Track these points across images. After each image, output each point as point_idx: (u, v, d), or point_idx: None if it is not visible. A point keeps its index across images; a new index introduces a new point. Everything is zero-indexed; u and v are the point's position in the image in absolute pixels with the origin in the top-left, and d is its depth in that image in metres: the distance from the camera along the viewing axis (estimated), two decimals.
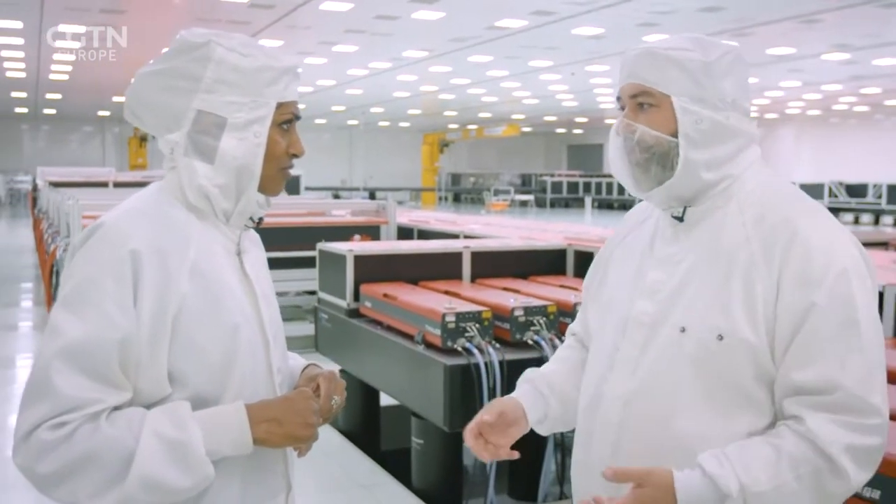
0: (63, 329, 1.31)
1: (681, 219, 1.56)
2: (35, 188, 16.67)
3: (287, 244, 6.42)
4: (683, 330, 1.49)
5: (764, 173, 1.58)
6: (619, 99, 1.61)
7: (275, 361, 1.53)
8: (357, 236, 6.70)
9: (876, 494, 2.01)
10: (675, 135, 1.51)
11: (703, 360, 1.47)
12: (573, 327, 1.89)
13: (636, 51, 1.57)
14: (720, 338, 1.45)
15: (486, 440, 1.63)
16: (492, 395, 3.30)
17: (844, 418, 1.37)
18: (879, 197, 26.20)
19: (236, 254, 1.52)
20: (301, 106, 1.57)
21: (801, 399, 1.40)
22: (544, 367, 1.83)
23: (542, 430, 1.77)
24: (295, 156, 1.53)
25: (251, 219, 1.54)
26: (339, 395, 1.54)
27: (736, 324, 1.44)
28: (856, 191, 26.70)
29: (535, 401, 1.72)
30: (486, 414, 1.64)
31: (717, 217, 1.54)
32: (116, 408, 1.33)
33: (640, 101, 1.55)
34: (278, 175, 1.52)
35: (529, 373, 1.79)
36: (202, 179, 1.44)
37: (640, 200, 1.75)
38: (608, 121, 37.55)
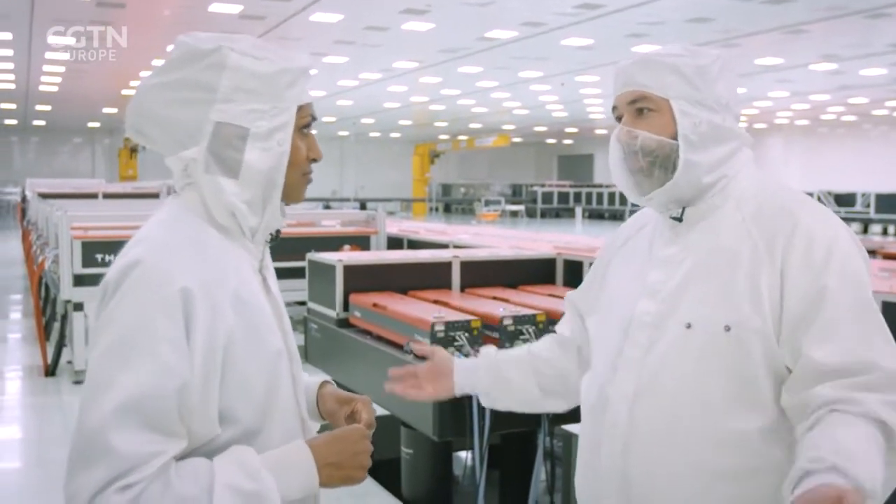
0: (115, 382, 1.21)
1: (679, 219, 1.59)
2: (24, 200, 16.60)
3: (277, 255, 6.38)
4: (689, 326, 1.51)
5: (757, 173, 1.63)
6: (615, 109, 1.63)
7: (297, 376, 1.48)
8: (347, 246, 6.70)
9: None
10: (675, 138, 1.55)
11: (710, 354, 1.49)
12: (560, 328, 1.93)
13: (630, 60, 1.60)
14: (727, 329, 1.47)
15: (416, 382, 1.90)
16: (480, 405, 3.29)
17: (888, 397, 1.37)
18: (868, 206, 26.33)
19: (259, 271, 1.45)
20: None
21: (842, 382, 1.38)
22: (510, 349, 2.01)
23: (484, 402, 1.96)
24: (314, 160, 1.45)
25: (270, 233, 1.47)
26: (374, 422, 1.52)
27: (742, 313, 1.47)
28: (844, 200, 26.83)
29: (464, 371, 1.91)
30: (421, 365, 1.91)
31: (715, 216, 1.58)
32: (176, 457, 1.26)
33: (640, 106, 1.57)
34: (301, 181, 1.44)
35: (484, 350, 1.98)
36: (230, 196, 1.35)
37: (634, 210, 1.78)
38: (598, 131, 37.73)
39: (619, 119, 1.62)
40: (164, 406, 1.22)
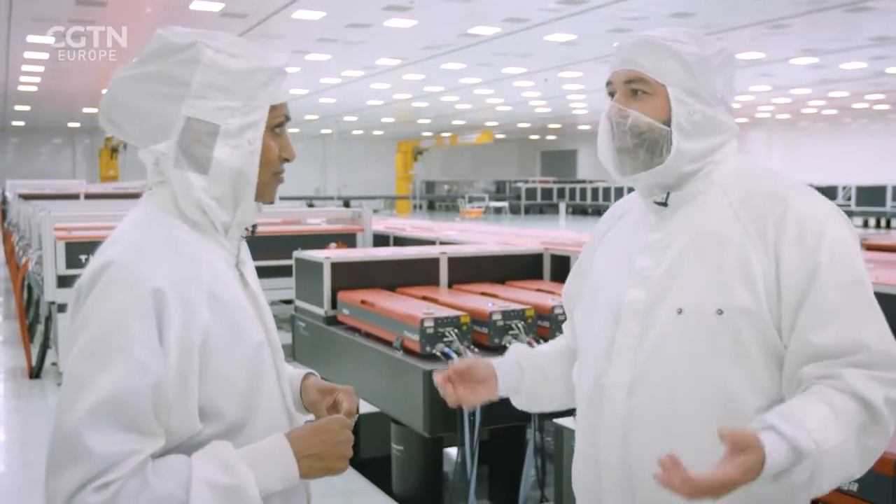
0: (91, 382, 1.22)
1: (664, 203, 1.59)
2: (4, 201, 16.44)
3: (263, 253, 6.37)
4: (680, 311, 1.51)
5: (740, 158, 1.63)
6: (609, 84, 1.62)
7: (280, 368, 1.49)
8: (333, 244, 6.68)
9: (854, 487, 2.03)
10: (666, 123, 1.55)
11: (704, 339, 1.49)
12: (565, 331, 1.90)
13: (634, 38, 1.59)
14: (720, 312, 1.47)
15: (455, 388, 1.71)
16: None
17: (876, 373, 1.40)
18: (849, 199, 26.55)
19: (236, 266, 1.46)
20: None
21: (829, 362, 1.41)
22: (537, 347, 1.90)
23: (518, 402, 1.83)
24: (286, 160, 1.46)
25: (245, 228, 1.48)
26: (356, 411, 1.50)
27: (734, 296, 1.47)
28: (825, 193, 25.66)
29: (509, 370, 1.78)
30: (457, 365, 1.72)
31: (700, 200, 1.58)
32: (153, 455, 1.26)
33: (635, 87, 1.57)
34: (272, 181, 1.45)
35: (515, 346, 1.85)
36: (199, 192, 1.36)
37: (616, 200, 1.77)
38: (581, 127, 37.81)
39: (611, 94, 1.61)
40: (138, 406, 1.23)
